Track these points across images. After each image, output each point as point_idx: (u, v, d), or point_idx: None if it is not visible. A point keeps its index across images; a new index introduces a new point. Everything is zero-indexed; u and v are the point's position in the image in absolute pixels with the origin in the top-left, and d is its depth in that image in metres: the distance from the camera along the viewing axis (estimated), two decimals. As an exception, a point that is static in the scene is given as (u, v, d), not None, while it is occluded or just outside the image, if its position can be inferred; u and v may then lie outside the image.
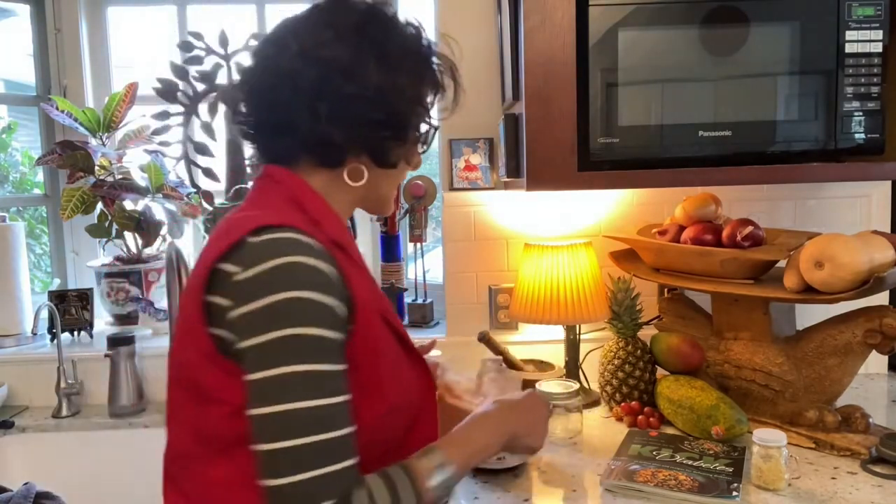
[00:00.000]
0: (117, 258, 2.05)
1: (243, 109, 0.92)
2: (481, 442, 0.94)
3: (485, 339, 1.60)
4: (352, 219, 1.15)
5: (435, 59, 0.95)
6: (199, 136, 2.03)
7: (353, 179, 0.92)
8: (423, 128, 0.95)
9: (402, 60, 0.89)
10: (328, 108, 0.86)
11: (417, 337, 1.35)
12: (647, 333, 1.55)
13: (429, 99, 0.95)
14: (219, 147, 2.03)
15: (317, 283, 0.78)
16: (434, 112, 0.97)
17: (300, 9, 0.92)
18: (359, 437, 0.80)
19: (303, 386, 0.75)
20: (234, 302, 0.78)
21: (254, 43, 1.96)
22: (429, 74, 0.94)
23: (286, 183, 0.90)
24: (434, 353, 1.19)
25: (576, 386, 1.43)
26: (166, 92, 1.96)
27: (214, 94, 1.99)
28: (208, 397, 0.82)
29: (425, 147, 0.99)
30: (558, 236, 1.76)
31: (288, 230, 0.80)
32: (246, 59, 1.97)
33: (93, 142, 1.99)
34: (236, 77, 1.92)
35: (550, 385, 1.43)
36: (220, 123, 2.02)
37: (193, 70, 1.97)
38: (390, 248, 1.97)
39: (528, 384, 1.50)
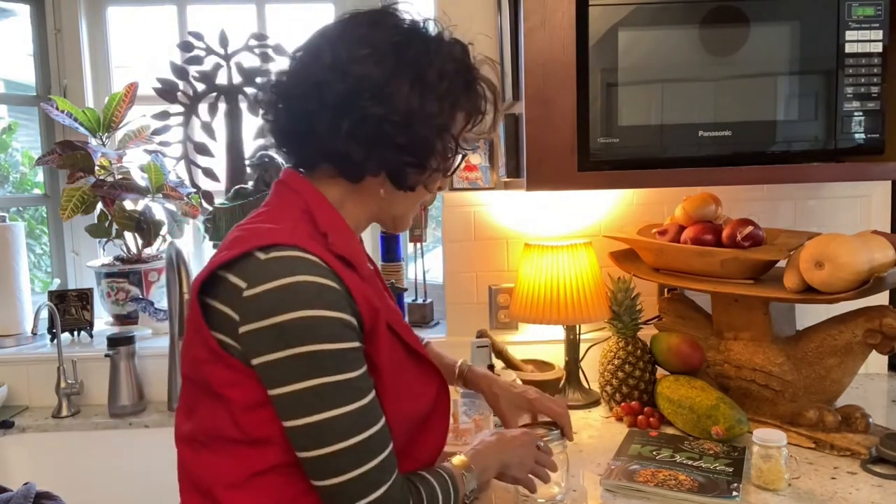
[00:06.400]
0: (117, 258, 2.05)
1: (270, 114, 0.92)
2: (489, 471, 1.00)
3: (483, 338, 1.60)
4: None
5: (478, 85, 0.93)
6: (199, 136, 2.03)
7: (370, 194, 0.93)
8: (449, 156, 0.93)
9: (438, 85, 0.87)
10: (350, 124, 0.85)
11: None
12: (647, 333, 1.55)
13: (461, 126, 0.93)
14: (219, 147, 2.03)
15: (324, 301, 0.79)
16: (468, 136, 0.96)
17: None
18: None
19: (324, 397, 0.78)
20: (241, 317, 0.80)
21: (254, 43, 1.97)
22: (465, 100, 0.91)
23: (302, 193, 0.90)
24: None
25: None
26: (166, 92, 1.96)
27: (214, 94, 2.00)
28: (215, 394, 0.84)
29: (448, 174, 0.97)
30: (558, 236, 1.76)
31: (294, 248, 0.80)
32: (246, 60, 1.98)
33: (93, 142, 1.99)
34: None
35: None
36: (220, 123, 2.02)
37: (193, 70, 1.97)
38: (390, 248, 1.98)
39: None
